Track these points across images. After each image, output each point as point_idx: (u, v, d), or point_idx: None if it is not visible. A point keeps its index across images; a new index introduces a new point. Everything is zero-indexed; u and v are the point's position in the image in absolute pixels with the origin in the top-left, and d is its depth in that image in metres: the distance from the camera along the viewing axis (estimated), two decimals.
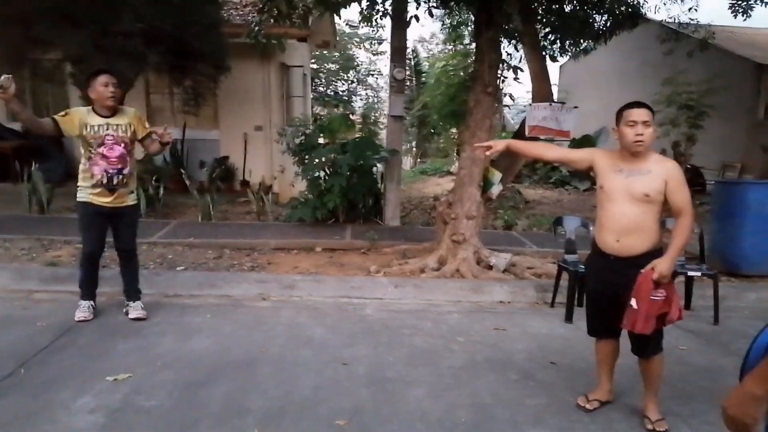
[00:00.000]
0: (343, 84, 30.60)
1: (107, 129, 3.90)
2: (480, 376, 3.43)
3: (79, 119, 3.88)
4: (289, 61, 11.26)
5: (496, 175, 5.55)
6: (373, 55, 30.19)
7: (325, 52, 22.16)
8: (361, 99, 31.64)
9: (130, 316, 4.17)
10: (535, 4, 5.92)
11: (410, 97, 28.46)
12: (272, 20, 4.50)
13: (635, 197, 2.74)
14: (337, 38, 16.88)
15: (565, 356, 3.81)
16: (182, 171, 8.02)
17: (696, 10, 19.05)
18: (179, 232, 6.52)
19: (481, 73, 5.17)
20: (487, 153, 3.14)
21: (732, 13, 11.98)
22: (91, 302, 4.19)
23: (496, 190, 5.64)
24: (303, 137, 6.92)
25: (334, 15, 7.61)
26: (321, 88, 27.53)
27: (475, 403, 3.06)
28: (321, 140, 7.08)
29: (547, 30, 6.58)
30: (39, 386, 3.03)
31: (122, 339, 3.76)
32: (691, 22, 12.57)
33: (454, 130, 12.81)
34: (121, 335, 3.83)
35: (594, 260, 3.01)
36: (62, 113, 3.92)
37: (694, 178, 11.84)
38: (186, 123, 9.81)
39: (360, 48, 30.75)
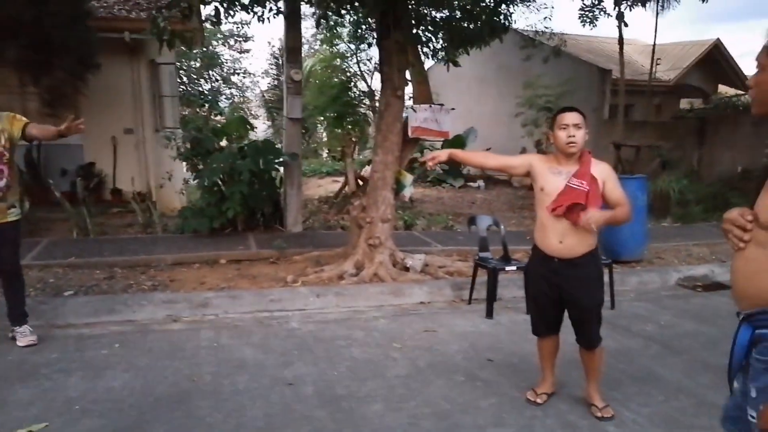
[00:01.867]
0: (207, 83, 29.14)
1: None
2: (428, 382, 3.41)
3: None
4: (159, 57, 10.43)
5: (408, 178, 5.59)
6: (239, 53, 29.11)
7: (194, 49, 20.93)
8: (226, 98, 30.37)
9: (19, 343, 3.74)
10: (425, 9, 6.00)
11: (280, 96, 27.93)
12: (181, 15, 4.08)
13: None
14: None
15: (498, 352, 3.92)
16: (50, 181, 7.07)
17: (550, 19, 20.97)
18: (55, 252, 5.74)
19: (390, 75, 5.16)
20: (430, 164, 3.13)
21: (581, 22, 13.36)
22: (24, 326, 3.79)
23: (408, 192, 5.68)
24: (196, 141, 6.40)
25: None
26: (182, 87, 25.91)
27: (435, 412, 3.02)
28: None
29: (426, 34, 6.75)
30: None
31: (19, 382, 3.20)
32: (546, 30, 13.81)
33: (338, 131, 12.73)
34: (15, 378, 3.27)
35: (535, 262, 3.09)
36: None
37: None
38: None
39: (224, 45, 29.47)
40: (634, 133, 13.82)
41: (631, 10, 13.39)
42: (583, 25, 13.43)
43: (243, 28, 26.52)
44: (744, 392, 1.56)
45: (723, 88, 18.67)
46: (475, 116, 15.05)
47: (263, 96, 30.86)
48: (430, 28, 5.44)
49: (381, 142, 5.27)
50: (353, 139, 11.82)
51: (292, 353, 3.80)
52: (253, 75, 33.33)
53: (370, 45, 12.34)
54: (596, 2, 12.94)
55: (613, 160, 12.90)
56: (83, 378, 3.31)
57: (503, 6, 5.48)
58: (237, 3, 4.49)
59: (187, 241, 6.28)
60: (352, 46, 15.99)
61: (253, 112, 29.16)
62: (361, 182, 11.10)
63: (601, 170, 2.90)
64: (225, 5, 4.39)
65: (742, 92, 18.64)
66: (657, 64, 14.97)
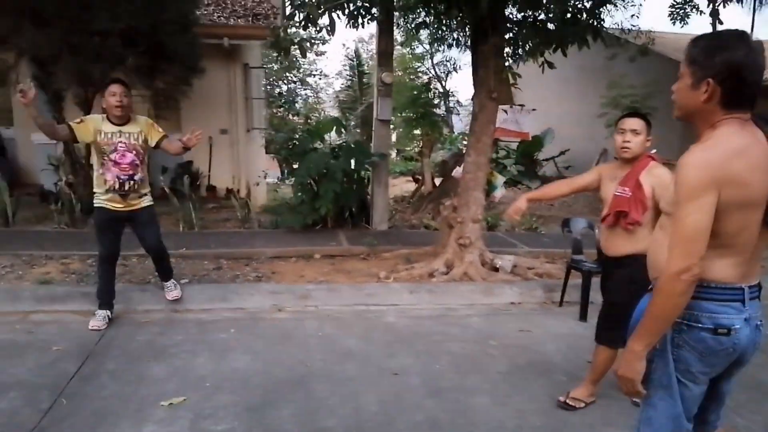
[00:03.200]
0: (285, 84, 30.10)
1: (120, 136, 3.98)
2: (531, 380, 3.49)
3: (93, 126, 3.96)
4: (251, 61, 10.97)
5: (500, 179, 5.66)
6: (316, 55, 29.86)
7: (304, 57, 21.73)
8: (302, 99, 31.25)
9: (168, 296, 4.52)
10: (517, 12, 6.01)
11: (353, 97, 28.42)
12: (300, 24, 4.37)
13: None
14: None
15: None
16: (161, 178, 7.63)
17: (638, 17, 20.22)
18: (167, 243, 6.18)
19: (486, 78, 5.25)
20: (517, 218, 3.27)
21: (671, 20, 12.84)
22: (108, 312, 4.20)
23: (499, 193, 5.75)
24: (294, 142, 6.73)
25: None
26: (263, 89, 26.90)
27: (541, 408, 3.11)
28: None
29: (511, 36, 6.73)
30: (91, 418, 2.82)
31: (154, 361, 3.55)
32: (633, 28, 13.35)
33: (417, 132, 12.88)
34: (149, 357, 3.61)
35: (601, 263, 3.30)
36: (78, 120, 4.02)
37: None
38: None
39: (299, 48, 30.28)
40: None
41: (725, 6, 12.76)
42: (674, 23, 12.89)
43: (321, 31, 27.31)
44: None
45: None
46: (555, 117, 14.79)
47: (337, 97, 31.59)
48: (524, 31, 5.47)
49: (474, 144, 5.37)
50: (431, 140, 11.90)
51: (394, 345, 3.98)
52: (327, 76, 34.20)
53: (450, 46, 12.40)
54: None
55: None
56: (209, 358, 3.63)
57: (602, 8, 5.44)
58: (344, 13, 4.73)
59: (282, 236, 6.62)
60: (428, 48, 16.11)
61: (327, 113, 29.89)
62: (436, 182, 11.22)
63: (654, 176, 2.85)
64: (338, 15, 4.64)
65: None
66: None
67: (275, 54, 6.49)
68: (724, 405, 1.90)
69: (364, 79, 26.37)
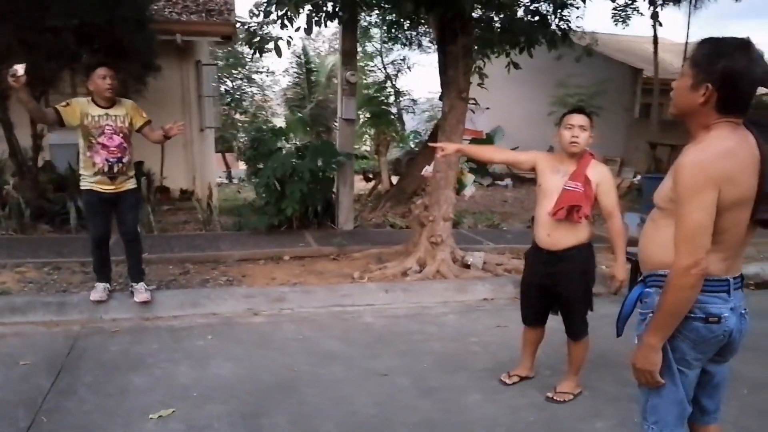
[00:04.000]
0: (231, 81, 29.39)
1: (107, 119, 4.05)
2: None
3: (80, 110, 4.01)
4: (203, 58, 10.68)
5: (470, 177, 5.74)
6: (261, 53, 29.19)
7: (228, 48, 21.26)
8: (248, 97, 30.59)
9: (136, 299, 4.38)
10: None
11: (301, 95, 28.09)
12: (279, 21, 4.26)
13: None
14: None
15: None
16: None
17: (582, 18, 20.92)
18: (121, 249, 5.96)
19: (455, 79, 5.30)
20: (440, 155, 3.35)
21: (614, 22, 13.40)
22: (107, 284, 4.39)
23: (469, 191, 5.83)
24: (257, 142, 6.58)
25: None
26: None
27: (532, 403, 3.18)
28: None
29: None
30: None
31: (132, 372, 3.41)
32: (578, 29, 13.82)
33: (370, 131, 12.91)
34: (127, 368, 3.47)
35: (530, 253, 3.31)
36: (63, 103, 4.05)
37: None
38: None
39: (243, 45, 29.57)
40: (665, 132, 13.84)
41: (662, 8, 13.40)
42: (616, 24, 13.46)
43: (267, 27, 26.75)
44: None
45: None
46: (506, 115, 15.11)
47: (285, 95, 31.12)
48: (494, 32, 5.56)
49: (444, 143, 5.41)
50: (387, 138, 11.95)
51: (375, 346, 3.98)
52: (274, 74, 33.61)
53: (404, 45, 12.51)
54: (630, 2, 12.97)
55: (649, 159, 12.96)
56: (190, 367, 3.52)
57: (566, 10, 5.62)
58: (323, 12, 4.67)
59: (248, 238, 6.48)
60: (379, 47, 16.10)
61: (274, 111, 29.41)
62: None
63: (597, 172, 3.01)
64: (315, 15, 4.57)
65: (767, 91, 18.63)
66: None
67: (224, 50, 6.34)
68: (722, 394, 2.02)
69: (312, 77, 26.13)
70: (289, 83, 30.55)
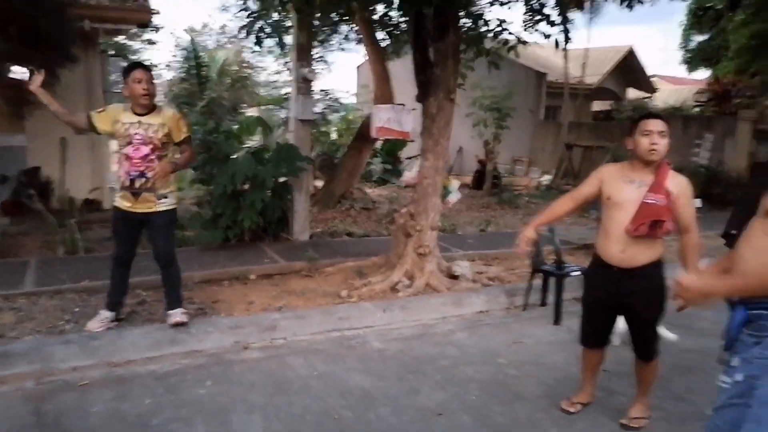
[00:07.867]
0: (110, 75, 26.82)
1: (138, 127, 3.65)
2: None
3: (113, 116, 3.69)
4: (109, 48, 9.42)
5: (455, 183, 5.43)
6: (147, 44, 27.04)
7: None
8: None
9: (169, 321, 3.94)
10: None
11: (190, 91, 26.25)
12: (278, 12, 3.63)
13: None
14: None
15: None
16: (31, 192, 6.11)
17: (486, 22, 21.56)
18: (56, 274, 4.95)
19: (444, 78, 4.98)
20: (526, 248, 3.02)
21: (524, 30, 13.85)
22: (111, 314, 3.95)
23: (454, 197, 5.53)
24: (210, 146, 5.74)
25: None
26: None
27: (598, 422, 2.94)
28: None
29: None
30: None
31: None
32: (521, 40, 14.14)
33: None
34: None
35: (595, 270, 2.99)
36: (100, 109, 3.78)
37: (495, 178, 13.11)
38: None
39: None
40: (570, 133, 14.58)
41: (569, 21, 14.07)
42: (526, 31, 13.92)
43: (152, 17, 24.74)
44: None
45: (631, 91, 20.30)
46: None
47: (171, 90, 28.98)
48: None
49: (432, 147, 5.07)
50: (312, 140, 11.37)
51: (407, 378, 3.55)
52: (156, 67, 31.23)
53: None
54: (539, 9, 13.47)
55: (564, 161, 13.53)
56: (210, 426, 2.87)
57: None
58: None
59: (201, 256, 5.67)
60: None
61: (159, 106, 27.33)
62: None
63: (677, 184, 2.77)
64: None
65: (648, 95, 20.44)
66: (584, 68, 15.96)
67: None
68: None
69: (202, 72, 24.45)
70: (174, 77, 28.60)
